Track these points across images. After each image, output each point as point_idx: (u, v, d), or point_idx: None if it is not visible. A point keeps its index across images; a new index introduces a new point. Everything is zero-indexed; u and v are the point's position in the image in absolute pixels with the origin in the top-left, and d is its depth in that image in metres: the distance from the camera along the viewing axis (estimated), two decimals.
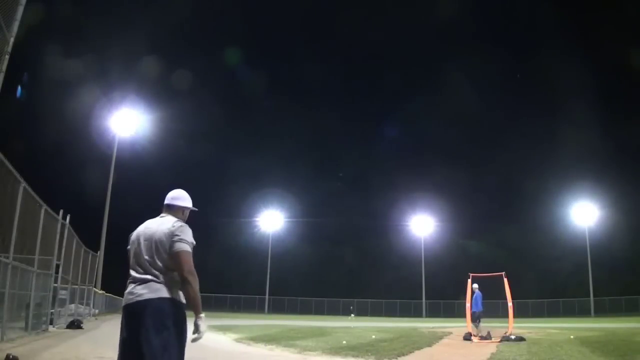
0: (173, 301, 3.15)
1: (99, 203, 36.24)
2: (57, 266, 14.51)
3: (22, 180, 9.52)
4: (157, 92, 55.09)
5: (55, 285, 14.94)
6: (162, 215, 3.45)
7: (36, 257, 11.36)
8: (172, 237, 3.21)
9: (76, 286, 19.18)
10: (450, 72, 71.44)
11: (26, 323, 11.48)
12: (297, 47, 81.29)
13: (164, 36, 62.99)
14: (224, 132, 73.16)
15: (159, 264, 3.19)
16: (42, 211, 11.63)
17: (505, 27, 73.78)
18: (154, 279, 3.16)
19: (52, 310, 14.90)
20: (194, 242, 3.31)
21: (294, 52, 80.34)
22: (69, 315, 17.49)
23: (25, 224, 10.14)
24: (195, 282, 3.17)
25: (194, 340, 3.21)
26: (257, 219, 61.26)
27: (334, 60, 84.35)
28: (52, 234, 13.16)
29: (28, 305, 11.54)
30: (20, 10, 6.66)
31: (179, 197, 3.51)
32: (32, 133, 48.12)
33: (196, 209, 3.60)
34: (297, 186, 66.63)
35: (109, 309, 36.53)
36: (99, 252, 30.16)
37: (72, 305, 18.68)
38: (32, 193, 10.51)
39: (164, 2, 63.80)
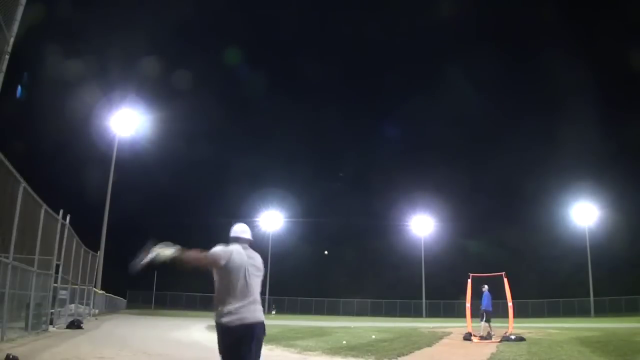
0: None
1: (99, 203, 36.22)
2: (57, 266, 14.50)
3: (22, 180, 9.51)
4: (157, 92, 55.10)
5: (55, 285, 14.93)
6: (247, 247, 4.10)
7: (36, 257, 11.35)
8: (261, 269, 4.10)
9: (76, 286, 19.17)
10: (451, 72, 71.53)
11: (26, 323, 11.47)
12: (297, 47, 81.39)
13: (164, 36, 63.01)
14: (224, 132, 73.24)
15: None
16: (42, 211, 11.62)
17: (506, 26, 73.73)
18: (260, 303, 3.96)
19: (52, 310, 14.89)
20: None
21: (294, 52, 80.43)
22: (69, 315, 17.48)
23: (25, 224, 10.13)
24: None
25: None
26: (257, 219, 61.28)
27: (334, 60, 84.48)
28: (52, 234, 13.15)
29: (28, 305, 11.54)
30: (20, 10, 6.65)
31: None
32: (32, 133, 48.07)
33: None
34: (297, 186, 66.68)
35: (109, 309, 36.51)
36: (99, 252, 30.12)
37: (72, 305, 18.68)
38: (32, 193, 10.51)
39: (164, 2, 63.84)
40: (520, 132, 68.88)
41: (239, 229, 4.17)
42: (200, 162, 68.84)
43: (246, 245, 4.10)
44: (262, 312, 3.90)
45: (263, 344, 3.90)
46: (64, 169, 51.04)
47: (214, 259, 3.83)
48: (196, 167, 69.27)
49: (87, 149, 48.66)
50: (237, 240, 4.10)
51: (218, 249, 3.92)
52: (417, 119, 73.50)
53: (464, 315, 16.81)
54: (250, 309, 3.79)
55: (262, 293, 3.81)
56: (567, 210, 56.37)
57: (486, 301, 15.67)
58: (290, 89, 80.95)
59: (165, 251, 3.66)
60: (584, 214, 54.55)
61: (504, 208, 62.59)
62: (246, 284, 3.85)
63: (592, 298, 51.14)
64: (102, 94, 45.43)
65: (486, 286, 15.81)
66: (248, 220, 59.95)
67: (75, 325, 15.57)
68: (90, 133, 43.07)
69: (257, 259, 4.09)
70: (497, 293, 16.01)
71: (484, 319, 15.67)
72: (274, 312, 53.58)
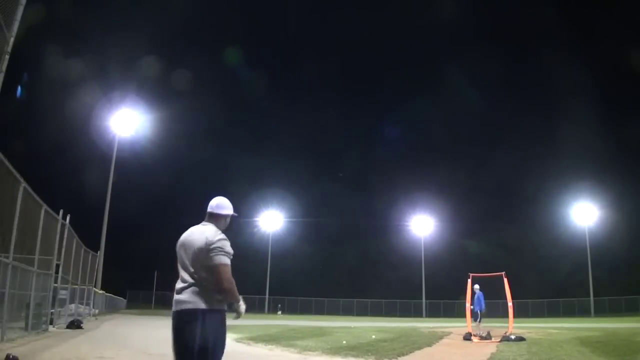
0: (208, 311, 3.33)
1: (99, 203, 36.23)
2: (57, 266, 14.50)
3: (22, 180, 9.51)
4: (157, 92, 55.16)
5: (55, 285, 14.93)
6: (204, 223, 3.59)
7: (36, 257, 11.35)
8: (211, 249, 3.36)
9: (76, 286, 19.17)
10: (450, 72, 71.59)
11: (26, 323, 11.47)
12: (297, 47, 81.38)
13: (164, 36, 62.97)
14: (224, 132, 73.32)
15: (200, 273, 3.37)
16: (42, 211, 11.61)
17: (505, 27, 73.74)
18: (196, 287, 3.36)
19: (52, 310, 14.89)
20: (232, 252, 3.47)
21: (294, 52, 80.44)
22: (69, 315, 17.48)
23: (25, 224, 10.13)
24: (234, 289, 3.40)
25: (235, 318, 3.55)
26: (257, 219, 61.28)
27: (334, 60, 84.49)
28: (52, 234, 13.15)
29: (28, 305, 11.53)
30: (20, 10, 6.64)
31: (223, 205, 3.67)
32: (32, 133, 48.19)
33: (236, 214, 3.78)
34: (297, 186, 66.70)
35: (109, 309, 36.51)
36: (99, 252, 30.11)
37: (72, 305, 18.68)
38: (32, 193, 10.50)
39: (164, 2, 63.85)
40: (520, 132, 68.99)
41: (211, 203, 3.67)
42: (200, 162, 68.96)
43: (206, 223, 3.58)
44: (198, 298, 3.32)
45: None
46: (64, 169, 51.09)
47: None
48: (196, 167, 69.39)
49: (87, 149, 48.75)
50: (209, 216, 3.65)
51: None
52: (417, 119, 73.61)
53: (464, 315, 16.81)
54: (179, 295, 3.38)
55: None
56: (567, 210, 56.41)
57: (479, 301, 15.68)
58: (290, 89, 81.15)
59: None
60: (584, 214, 54.56)
61: (504, 208, 62.69)
62: (179, 265, 3.46)
63: (592, 298, 51.15)
64: (102, 94, 45.51)
65: (477, 286, 15.82)
66: (248, 220, 60.16)
67: (75, 325, 15.56)
68: (90, 133, 43.13)
69: (196, 235, 3.46)
70: (497, 293, 16.02)
71: (479, 318, 15.69)
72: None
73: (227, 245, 3.42)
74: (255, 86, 70.69)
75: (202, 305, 3.30)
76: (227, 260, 3.37)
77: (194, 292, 3.33)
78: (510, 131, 69.18)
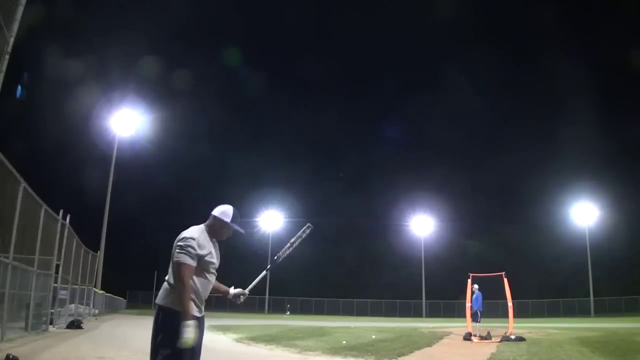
0: (162, 307, 3.33)
1: (99, 203, 36.20)
2: (57, 266, 14.50)
3: (22, 180, 9.50)
4: (157, 92, 55.22)
5: (55, 285, 14.92)
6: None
7: (36, 257, 11.34)
8: (175, 246, 3.31)
9: (76, 286, 19.16)
10: (450, 72, 71.64)
11: (26, 323, 11.46)
12: (296, 47, 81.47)
13: (163, 36, 63.11)
14: (224, 132, 73.42)
15: (171, 269, 3.37)
16: (42, 211, 11.61)
17: (506, 27, 73.87)
18: (164, 284, 3.41)
19: (52, 310, 14.88)
20: (197, 253, 3.28)
21: (294, 52, 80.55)
22: (69, 315, 17.47)
23: (25, 224, 10.12)
24: (183, 292, 3.20)
25: (177, 344, 3.11)
26: (257, 219, 61.25)
27: (334, 60, 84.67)
28: (52, 234, 13.14)
29: (28, 305, 11.53)
30: (20, 10, 6.64)
31: (221, 210, 3.62)
32: (32, 133, 48.25)
33: (242, 231, 3.78)
34: (297, 186, 66.74)
35: (109, 309, 36.50)
36: (99, 252, 30.11)
37: (72, 305, 18.66)
38: (32, 193, 10.49)
39: (164, 2, 63.88)
40: (520, 132, 69.07)
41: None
42: (200, 162, 69.07)
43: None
44: (161, 294, 3.37)
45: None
46: (64, 169, 51.14)
47: None
48: (196, 167, 69.49)
49: (87, 149, 48.80)
50: None
51: None
52: (417, 119, 73.80)
53: (464, 315, 16.82)
54: None
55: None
56: (567, 210, 56.40)
57: (479, 301, 15.70)
58: (290, 89, 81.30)
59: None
60: (584, 214, 54.55)
61: (504, 208, 62.71)
62: None
63: (592, 298, 51.14)
64: (102, 94, 45.54)
65: (476, 286, 15.84)
66: (248, 220, 60.09)
67: (75, 325, 15.56)
68: (90, 133, 43.13)
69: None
70: (497, 293, 16.01)
71: (479, 318, 15.71)
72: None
73: (191, 244, 3.26)
74: (255, 86, 70.82)
75: (160, 300, 3.37)
76: (184, 259, 3.22)
77: (163, 288, 3.42)
78: (511, 131, 69.37)
